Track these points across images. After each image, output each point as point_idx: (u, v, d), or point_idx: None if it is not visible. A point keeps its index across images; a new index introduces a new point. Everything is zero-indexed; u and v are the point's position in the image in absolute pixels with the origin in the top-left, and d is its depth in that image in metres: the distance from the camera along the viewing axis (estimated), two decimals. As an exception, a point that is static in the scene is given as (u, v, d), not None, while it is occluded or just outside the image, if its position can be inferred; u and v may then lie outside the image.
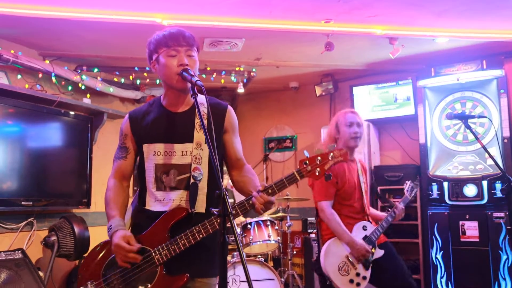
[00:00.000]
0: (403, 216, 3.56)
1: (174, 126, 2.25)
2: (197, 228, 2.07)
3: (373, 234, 3.36)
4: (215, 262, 2.19)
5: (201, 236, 2.07)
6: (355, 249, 3.26)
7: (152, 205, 2.21)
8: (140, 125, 2.28)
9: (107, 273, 2.17)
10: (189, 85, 2.09)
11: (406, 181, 3.82)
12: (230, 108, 2.39)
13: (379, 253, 3.38)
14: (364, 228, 3.37)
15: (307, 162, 2.17)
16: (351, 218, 3.42)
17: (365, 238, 3.33)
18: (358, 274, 3.27)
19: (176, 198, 2.19)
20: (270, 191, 2.10)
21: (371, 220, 3.50)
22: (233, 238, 4.52)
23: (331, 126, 3.64)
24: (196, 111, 2.13)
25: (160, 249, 2.09)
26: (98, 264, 2.21)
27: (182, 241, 2.08)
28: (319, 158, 2.16)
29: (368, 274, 3.30)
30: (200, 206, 2.18)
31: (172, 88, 2.22)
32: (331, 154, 2.15)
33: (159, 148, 2.22)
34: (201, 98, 2.19)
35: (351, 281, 3.24)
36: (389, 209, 3.61)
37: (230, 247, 4.68)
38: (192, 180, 2.19)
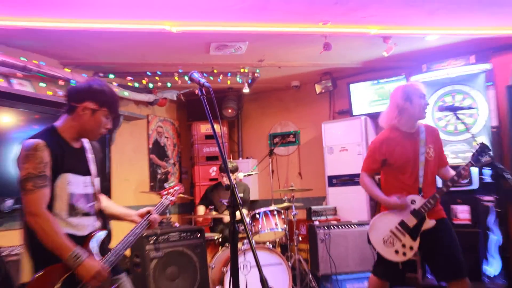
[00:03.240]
0: (468, 177, 3.38)
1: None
2: (120, 246, 2.34)
3: (423, 206, 3.17)
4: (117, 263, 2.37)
5: (122, 253, 2.34)
6: (391, 206, 3.24)
7: (65, 229, 2.17)
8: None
9: None
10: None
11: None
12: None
13: (429, 223, 3.21)
14: (413, 202, 3.21)
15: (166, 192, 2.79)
16: (402, 191, 3.26)
17: (413, 212, 3.20)
18: (404, 245, 3.20)
19: (88, 223, 2.29)
20: (158, 212, 2.60)
21: (423, 194, 3.24)
22: (243, 227, 4.57)
23: (398, 97, 3.33)
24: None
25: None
26: None
27: (112, 258, 2.29)
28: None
29: (415, 244, 3.19)
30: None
31: (84, 136, 2.36)
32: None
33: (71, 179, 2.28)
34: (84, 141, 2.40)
35: (397, 252, 3.20)
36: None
37: (240, 235, 4.70)
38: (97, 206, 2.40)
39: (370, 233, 3.32)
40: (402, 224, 3.21)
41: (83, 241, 2.21)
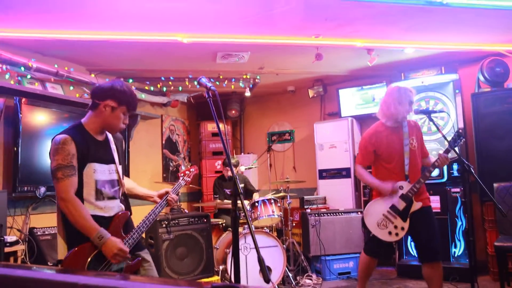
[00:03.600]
0: (447, 162, 3.29)
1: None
2: (141, 225, 2.34)
3: (410, 191, 3.19)
4: (140, 240, 2.38)
5: (144, 230, 2.34)
6: (384, 191, 3.23)
7: (93, 211, 2.19)
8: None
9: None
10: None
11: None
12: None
13: (416, 206, 3.23)
14: (401, 187, 3.22)
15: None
16: (391, 179, 3.26)
17: (402, 196, 3.21)
18: (396, 227, 3.20)
19: (114, 205, 2.30)
20: (175, 192, 2.58)
21: (410, 180, 3.26)
22: (244, 214, 4.64)
23: (394, 97, 3.33)
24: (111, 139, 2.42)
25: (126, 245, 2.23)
26: (79, 266, 2.10)
27: (135, 235, 2.29)
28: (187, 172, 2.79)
29: (406, 225, 3.20)
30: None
31: (106, 130, 2.35)
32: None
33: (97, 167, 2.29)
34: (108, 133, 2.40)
35: (390, 233, 3.21)
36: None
37: (241, 221, 4.68)
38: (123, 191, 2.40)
39: (365, 218, 3.30)
40: (393, 207, 3.22)
41: (110, 221, 2.23)
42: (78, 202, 2.12)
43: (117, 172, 2.35)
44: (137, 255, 2.35)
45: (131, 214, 2.40)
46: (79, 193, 2.17)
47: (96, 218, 2.16)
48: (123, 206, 2.37)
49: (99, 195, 2.23)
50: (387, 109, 3.35)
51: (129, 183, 2.56)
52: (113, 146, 2.38)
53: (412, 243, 3.59)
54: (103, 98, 2.25)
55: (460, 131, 3.31)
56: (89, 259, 2.10)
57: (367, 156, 3.40)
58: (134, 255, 2.32)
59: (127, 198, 2.46)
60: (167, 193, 2.54)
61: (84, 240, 2.11)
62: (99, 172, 2.25)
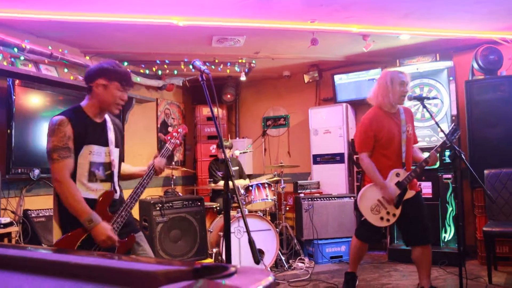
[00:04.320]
0: (436, 161, 3.35)
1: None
2: (128, 201, 2.28)
3: (406, 179, 3.21)
4: (134, 220, 2.39)
5: (133, 205, 2.29)
6: (386, 193, 3.21)
7: (85, 194, 2.19)
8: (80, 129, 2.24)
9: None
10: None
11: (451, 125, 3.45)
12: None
13: (410, 193, 3.26)
14: (397, 175, 3.23)
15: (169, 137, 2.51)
16: (388, 166, 3.26)
17: (397, 183, 3.22)
18: (388, 213, 3.23)
19: (106, 188, 2.29)
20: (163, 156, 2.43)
21: (406, 167, 3.27)
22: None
23: (384, 82, 3.32)
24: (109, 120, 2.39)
25: (114, 225, 2.21)
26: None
27: (123, 213, 2.25)
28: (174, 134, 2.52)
29: (398, 212, 3.23)
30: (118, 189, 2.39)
31: (105, 110, 2.31)
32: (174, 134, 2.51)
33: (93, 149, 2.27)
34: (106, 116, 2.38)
35: (382, 218, 3.23)
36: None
37: (235, 204, 4.69)
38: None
39: (359, 202, 3.29)
40: None
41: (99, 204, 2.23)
42: (72, 184, 2.13)
43: (112, 155, 2.33)
44: (129, 236, 2.32)
45: (121, 197, 2.39)
46: (73, 174, 2.17)
47: (88, 201, 2.16)
48: (116, 189, 2.35)
49: (92, 177, 2.23)
50: (382, 92, 3.33)
51: (124, 167, 2.54)
52: (110, 127, 2.35)
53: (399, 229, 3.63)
54: (94, 78, 2.24)
55: (454, 125, 3.34)
56: (78, 243, 2.11)
57: (368, 142, 3.31)
58: (128, 237, 2.30)
59: (119, 180, 2.43)
60: (155, 158, 2.45)
61: (78, 225, 2.11)
62: (95, 154, 2.24)
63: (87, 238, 2.13)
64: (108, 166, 2.31)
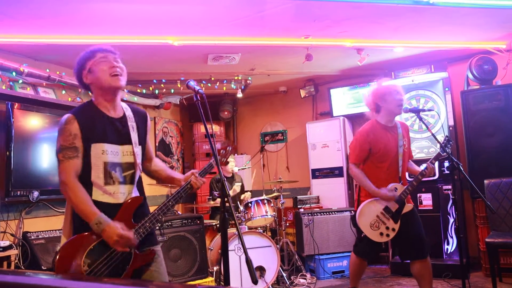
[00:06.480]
0: (433, 173, 3.33)
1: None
2: (156, 212, 2.08)
3: (403, 193, 3.20)
4: (155, 233, 2.21)
5: (161, 217, 2.09)
6: (380, 197, 3.21)
7: (101, 197, 2.02)
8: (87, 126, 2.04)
9: (91, 262, 1.93)
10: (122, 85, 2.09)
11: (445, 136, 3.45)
12: (147, 113, 2.32)
13: (408, 207, 3.25)
14: (395, 189, 3.22)
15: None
16: (382, 179, 3.25)
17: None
18: (387, 228, 3.21)
19: (125, 191, 2.08)
20: (202, 174, 2.22)
21: (403, 182, 3.28)
22: (237, 214, 4.62)
23: (375, 96, 3.34)
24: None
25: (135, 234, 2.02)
26: (77, 254, 1.93)
27: (147, 224, 2.05)
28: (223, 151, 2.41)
29: (396, 226, 3.21)
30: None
31: (110, 92, 2.09)
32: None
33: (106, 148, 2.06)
34: (123, 104, 2.17)
35: (381, 234, 3.22)
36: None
37: (233, 222, 4.68)
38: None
39: (358, 218, 3.27)
40: (386, 209, 3.23)
41: (118, 208, 2.03)
42: (77, 186, 1.97)
43: (133, 154, 2.11)
44: (149, 249, 2.10)
45: (145, 199, 2.17)
46: (87, 175, 2.00)
47: (103, 205, 1.99)
48: (136, 192, 2.15)
49: (109, 178, 2.03)
50: (376, 111, 3.35)
51: (156, 165, 2.36)
52: (131, 124, 2.13)
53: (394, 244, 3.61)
54: (80, 75, 2.10)
55: (448, 137, 3.36)
56: (90, 247, 1.95)
57: (361, 154, 3.32)
58: (146, 250, 2.09)
59: (141, 183, 2.21)
60: (192, 175, 2.23)
61: (88, 227, 1.95)
62: (110, 153, 2.04)
63: (101, 242, 1.96)
64: (128, 167, 2.10)
